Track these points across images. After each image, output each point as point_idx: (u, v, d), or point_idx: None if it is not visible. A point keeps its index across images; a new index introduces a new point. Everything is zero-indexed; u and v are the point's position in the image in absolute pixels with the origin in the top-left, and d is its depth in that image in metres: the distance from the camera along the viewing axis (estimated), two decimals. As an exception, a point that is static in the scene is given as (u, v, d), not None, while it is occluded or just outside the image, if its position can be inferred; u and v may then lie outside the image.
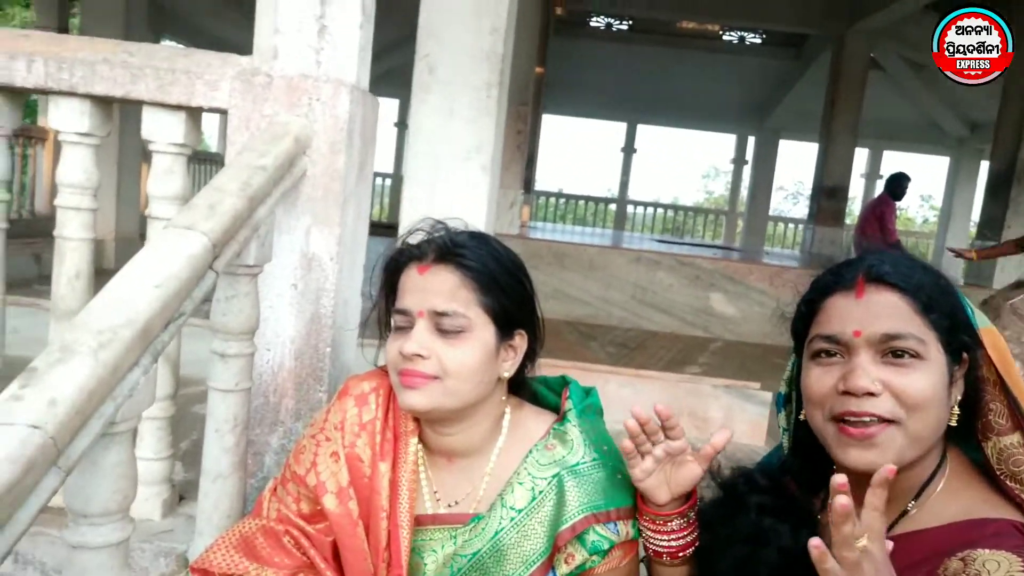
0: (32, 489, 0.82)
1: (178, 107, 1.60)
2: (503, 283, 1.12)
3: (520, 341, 1.17)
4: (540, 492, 1.13)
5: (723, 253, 7.65)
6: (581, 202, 15.06)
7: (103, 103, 1.63)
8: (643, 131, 14.63)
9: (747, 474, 1.14)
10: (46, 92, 1.61)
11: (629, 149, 14.40)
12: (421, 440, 1.21)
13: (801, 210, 21.42)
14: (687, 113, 13.50)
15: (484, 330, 1.10)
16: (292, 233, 1.58)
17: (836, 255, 8.92)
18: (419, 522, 1.18)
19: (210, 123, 14.60)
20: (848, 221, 11.03)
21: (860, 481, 0.98)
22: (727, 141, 15.25)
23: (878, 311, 0.95)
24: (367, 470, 1.17)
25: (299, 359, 1.62)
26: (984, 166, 7.67)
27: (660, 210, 15.77)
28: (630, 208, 14.72)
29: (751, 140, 14.04)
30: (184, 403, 2.64)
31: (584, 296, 5.57)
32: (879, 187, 12.21)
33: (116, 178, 5.10)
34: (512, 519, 1.12)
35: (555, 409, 1.26)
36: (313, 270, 1.59)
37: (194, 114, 1.64)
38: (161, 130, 1.61)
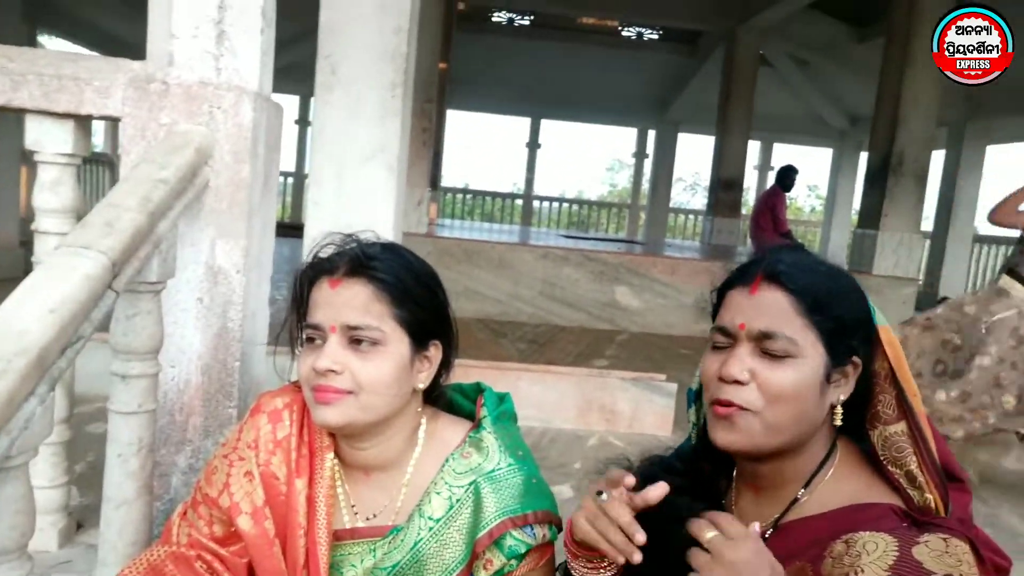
0: (-79, 535, 0.77)
1: (66, 115, 1.51)
2: (416, 295, 1.12)
3: (435, 352, 1.17)
4: (457, 500, 1.14)
5: (627, 247, 7.85)
6: (488, 198, 15.10)
7: (-22, 111, 1.53)
8: (547, 126, 14.78)
9: (663, 460, 1.20)
10: (-86, 100, 1.50)
11: (534, 144, 14.53)
12: (337, 455, 1.20)
13: (700, 201, 22.21)
14: (590, 107, 13.73)
15: (398, 343, 1.10)
16: (196, 246, 1.53)
17: (733, 245, 9.33)
18: (338, 537, 1.17)
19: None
20: (744, 211, 11.51)
21: (752, 467, 1.08)
22: (629, 134, 15.61)
23: (763, 309, 1.02)
24: (283, 488, 1.15)
25: (207, 375, 1.57)
26: (864, 157, 8.15)
27: (566, 204, 16.00)
28: (536, 203, 14.87)
29: (651, 133, 14.41)
30: (78, 422, 2.50)
31: (494, 293, 5.61)
32: (771, 178, 12.81)
33: (-7, 182, 4.77)
34: (431, 528, 1.13)
35: (470, 416, 1.27)
36: (219, 283, 1.55)
37: (83, 122, 1.55)
38: (47, 140, 1.52)
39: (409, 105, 2.87)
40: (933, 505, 0.99)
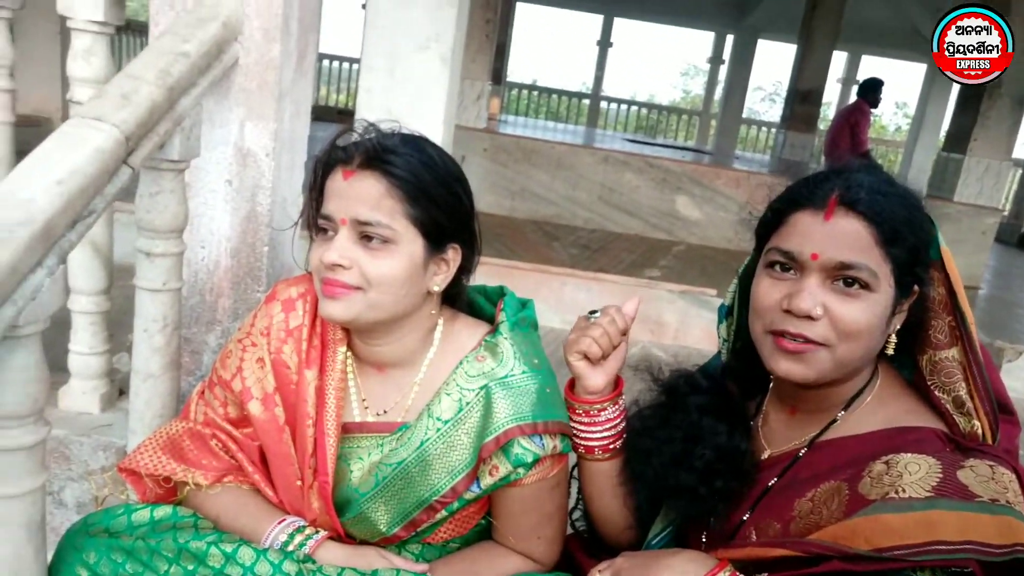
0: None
1: (97, -20, 1.46)
2: (434, 194, 1.07)
3: (453, 255, 1.13)
4: (467, 403, 1.12)
5: (693, 156, 7.57)
6: (555, 96, 14.69)
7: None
8: (620, 25, 14.12)
9: (688, 376, 1.17)
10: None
11: (605, 43, 13.95)
12: (350, 348, 1.19)
13: (776, 112, 21.21)
14: (665, 7, 13.03)
15: (411, 243, 1.06)
16: (225, 126, 1.49)
17: (806, 161, 8.92)
18: (346, 430, 1.17)
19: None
20: (821, 127, 10.94)
21: (794, 391, 1.05)
22: (705, 39, 14.85)
23: (841, 238, 0.95)
24: (293, 377, 1.16)
25: (235, 257, 1.57)
26: (960, 76, 7.56)
27: (634, 108, 15.47)
28: (604, 104, 14.41)
29: (729, 39, 13.66)
30: (130, 292, 2.58)
31: (550, 195, 5.49)
32: (855, 93, 12.07)
33: (61, 57, 4.79)
34: (438, 429, 1.12)
35: (491, 320, 1.24)
36: (248, 166, 1.52)
37: (115, -13, 1.50)
38: (79, 5, 1.47)
39: (468, -7, 2.74)
40: (980, 432, 0.97)
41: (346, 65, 12.31)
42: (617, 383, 1.18)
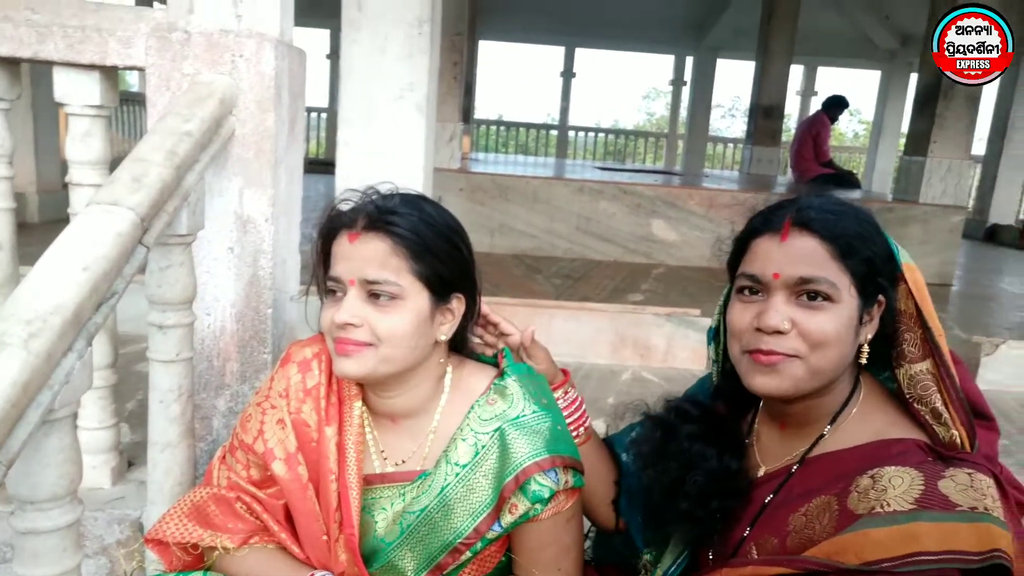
0: (-26, 486, 0.82)
1: (91, 67, 1.52)
2: (436, 249, 1.13)
3: (457, 304, 1.18)
4: (483, 446, 1.16)
5: (664, 179, 7.70)
6: (522, 129, 14.88)
7: (9, 64, 1.54)
8: (582, 54, 14.39)
9: (678, 408, 1.23)
10: (-55, 55, 1.52)
11: (568, 73, 14.17)
12: (365, 403, 1.23)
13: (739, 126, 21.59)
14: (626, 34, 13.27)
15: (417, 297, 1.11)
16: (224, 195, 1.54)
17: (773, 175, 9.10)
18: (368, 481, 1.21)
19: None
20: (785, 139, 11.17)
21: (780, 406, 1.10)
22: (666, 62, 15.13)
23: (798, 256, 1.02)
24: (314, 435, 1.19)
25: (240, 322, 1.61)
26: (914, 80, 7.78)
27: (601, 134, 15.70)
28: (571, 134, 14.60)
29: (689, 60, 13.95)
30: (126, 363, 2.60)
31: (529, 229, 5.57)
32: (814, 104, 12.31)
33: (33, 130, 4.82)
34: (457, 474, 1.16)
35: (494, 364, 1.29)
36: (248, 232, 1.57)
37: (109, 73, 1.56)
38: (75, 92, 1.53)
39: (438, 41, 2.82)
40: (959, 441, 1.01)
41: (313, 115, 12.41)
42: (565, 375, 1.36)
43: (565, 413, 1.29)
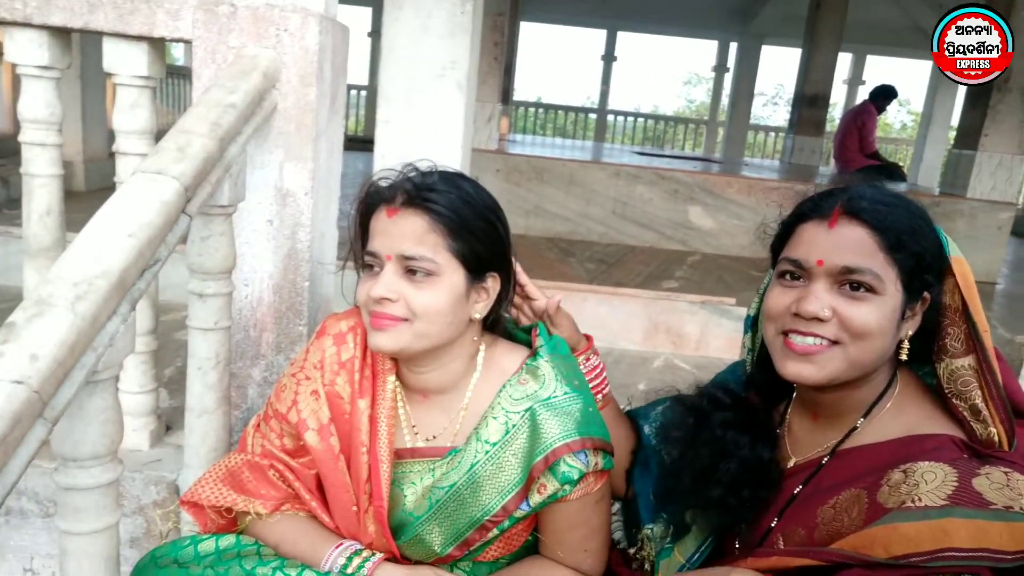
0: (20, 441, 0.85)
1: (140, 38, 1.54)
2: (473, 227, 1.13)
3: (493, 283, 1.19)
4: (513, 426, 1.17)
5: (703, 165, 7.61)
6: (561, 112, 14.80)
7: (61, 34, 1.57)
8: (623, 38, 14.23)
9: (711, 395, 1.22)
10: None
11: (609, 57, 14.05)
12: (399, 377, 1.24)
13: (781, 115, 21.22)
14: (668, 19, 13.09)
15: (453, 274, 1.12)
16: (265, 168, 1.56)
17: (815, 165, 8.93)
18: (398, 455, 1.22)
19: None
20: (829, 128, 10.95)
21: (814, 396, 1.09)
22: (709, 47, 14.92)
23: (844, 244, 1.00)
24: (347, 407, 1.21)
25: (278, 293, 1.64)
26: (966, 72, 7.54)
27: (640, 119, 15.55)
28: (610, 118, 14.48)
29: (733, 46, 13.72)
30: (166, 330, 2.66)
31: (564, 212, 5.55)
32: (861, 94, 12.02)
33: (80, 100, 4.92)
34: (487, 452, 1.17)
35: (527, 344, 1.30)
36: (288, 205, 1.59)
37: (157, 45, 1.59)
38: (123, 62, 1.56)
39: (480, 20, 2.81)
40: (997, 439, 0.99)
41: (353, 92, 12.46)
42: (588, 340, 1.37)
43: (593, 373, 1.33)
